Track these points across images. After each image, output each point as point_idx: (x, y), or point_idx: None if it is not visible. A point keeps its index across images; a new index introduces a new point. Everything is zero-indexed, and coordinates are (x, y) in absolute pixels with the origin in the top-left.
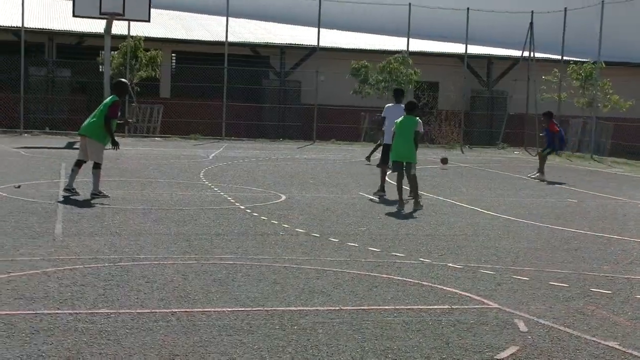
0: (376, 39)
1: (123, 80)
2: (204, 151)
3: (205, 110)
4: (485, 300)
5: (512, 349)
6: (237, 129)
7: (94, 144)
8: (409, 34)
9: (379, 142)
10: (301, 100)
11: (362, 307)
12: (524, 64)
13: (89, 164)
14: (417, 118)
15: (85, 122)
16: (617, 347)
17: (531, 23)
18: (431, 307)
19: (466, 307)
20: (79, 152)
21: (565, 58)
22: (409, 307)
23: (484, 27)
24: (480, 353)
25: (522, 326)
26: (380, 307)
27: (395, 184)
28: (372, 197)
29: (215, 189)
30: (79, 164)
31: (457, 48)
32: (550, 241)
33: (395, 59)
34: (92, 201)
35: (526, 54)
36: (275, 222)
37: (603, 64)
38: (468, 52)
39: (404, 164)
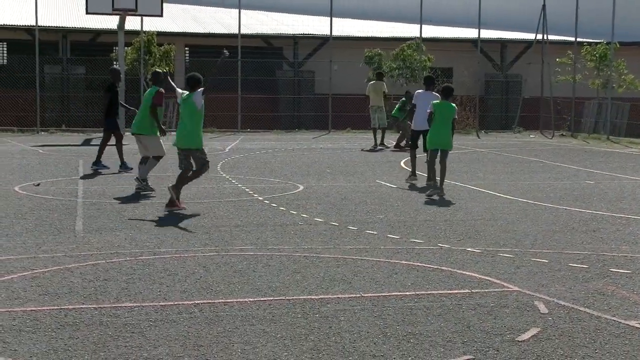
0: (389, 27)
1: (157, 70)
2: (221, 144)
3: (221, 103)
4: (505, 284)
5: (533, 331)
6: (253, 121)
7: (148, 138)
8: (421, 20)
9: (400, 132)
10: (315, 90)
11: (383, 294)
12: (537, 47)
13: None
14: (454, 104)
15: (135, 121)
16: (637, 326)
17: (544, 5)
18: (451, 291)
19: (486, 290)
20: (139, 150)
21: (579, 40)
22: (429, 292)
23: (497, 11)
24: (502, 335)
25: (543, 308)
26: (401, 293)
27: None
28: (406, 183)
29: (233, 181)
30: (143, 160)
31: (470, 33)
32: (569, 223)
33: (408, 46)
34: (135, 188)
35: (539, 36)
36: (294, 212)
37: (617, 44)
38: (481, 36)
39: (440, 150)
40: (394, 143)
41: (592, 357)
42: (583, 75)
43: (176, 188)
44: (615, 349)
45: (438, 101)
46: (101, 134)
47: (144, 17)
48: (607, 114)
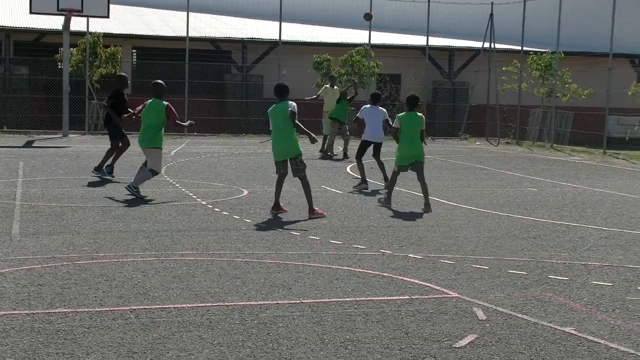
0: (338, 32)
1: (159, 81)
2: (166, 147)
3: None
4: (445, 290)
5: (470, 337)
6: (200, 125)
7: (149, 151)
8: (370, 27)
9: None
10: (264, 95)
11: (323, 300)
12: (484, 55)
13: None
14: (420, 114)
15: (141, 135)
16: (573, 332)
17: (491, 14)
18: (391, 298)
19: (426, 297)
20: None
21: (525, 48)
22: (369, 298)
23: (445, 19)
24: (439, 342)
25: (481, 314)
26: (341, 299)
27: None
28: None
29: (177, 185)
30: (143, 167)
31: (419, 40)
32: (510, 230)
33: (357, 52)
34: (127, 194)
35: (487, 45)
36: (237, 217)
37: (562, 54)
38: (430, 44)
39: (416, 164)
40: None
41: None
42: (529, 83)
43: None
44: (551, 355)
45: (404, 114)
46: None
47: (90, 18)
48: (551, 122)
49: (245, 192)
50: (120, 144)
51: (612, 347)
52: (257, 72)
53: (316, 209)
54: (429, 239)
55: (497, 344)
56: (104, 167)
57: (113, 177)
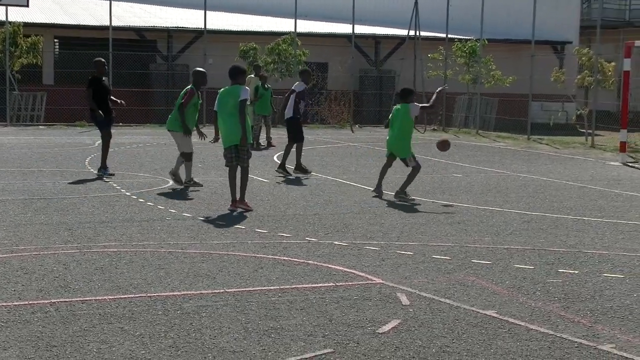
0: (264, 21)
1: (198, 70)
2: (90, 138)
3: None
4: (370, 276)
5: (393, 323)
6: (125, 115)
7: (176, 135)
8: (296, 15)
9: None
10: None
11: (247, 289)
12: (410, 42)
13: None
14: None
15: (169, 117)
16: (495, 315)
17: (416, 2)
18: (316, 285)
19: (350, 283)
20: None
21: (450, 36)
22: (293, 286)
23: (371, 7)
24: (363, 328)
25: (405, 300)
26: (265, 288)
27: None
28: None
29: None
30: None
31: (345, 28)
32: (435, 216)
33: (283, 41)
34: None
35: (412, 32)
36: (162, 208)
37: (486, 41)
38: (355, 32)
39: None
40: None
41: (450, 347)
42: (454, 70)
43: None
44: (472, 338)
45: (398, 106)
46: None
47: (9, 7)
48: (476, 109)
49: (171, 183)
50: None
51: (532, 329)
52: (182, 62)
53: (246, 201)
54: (355, 226)
55: (419, 329)
56: (106, 167)
57: (112, 174)
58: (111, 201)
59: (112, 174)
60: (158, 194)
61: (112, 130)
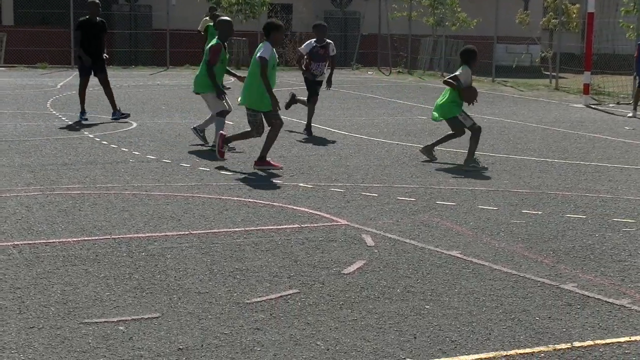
0: None
1: (223, 18)
2: (52, 80)
3: (53, 38)
4: (335, 218)
5: (358, 263)
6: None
7: (207, 97)
8: None
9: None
10: (153, 26)
11: (212, 231)
12: None
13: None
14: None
15: (195, 78)
16: (458, 255)
17: None
18: (281, 227)
19: (315, 225)
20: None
21: None
22: (259, 228)
23: None
24: (328, 269)
25: (369, 241)
26: (230, 230)
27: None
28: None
29: (64, 119)
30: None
31: None
32: (400, 158)
33: None
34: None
35: None
36: (126, 150)
37: None
38: None
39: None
40: None
41: (414, 286)
42: (418, 12)
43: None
44: (436, 278)
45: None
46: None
47: None
48: (441, 51)
49: (135, 125)
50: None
51: (495, 269)
52: (145, 2)
53: (269, 159)
54: (320, 168)
55: (384, 269)
56: (117, 109)
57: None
58: (74, 143)
59: (126, 115)
60: (122, 136)
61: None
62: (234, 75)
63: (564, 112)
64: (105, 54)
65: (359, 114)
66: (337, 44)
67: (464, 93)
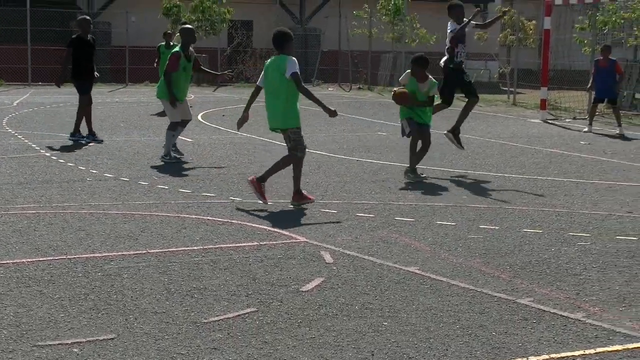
0: None
1: (184, 26)
2: (8, 98)
3: (9, 55)
4: (294, 235)
5: (317, 281)
6: (45, 74)
7: (165, 104)
8: None
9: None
10: (112, 42)
11: (170, 249)
12: (335, 0)
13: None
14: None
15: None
16: (417, 271)
17: None
18: (240, 245)
19: (274, 242)
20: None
21: None
22: (217, 246)
23: None
24: (286, 286)
25: (328, 258)
26: (188, 248)
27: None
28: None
29: (20, 137)
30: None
31: None
32: (360, 174)
33: None
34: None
35: None
36: (83, 168)
37: None
38: None
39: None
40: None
41: (372, 303)
42: (379, 29)
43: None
44: (395, 294)
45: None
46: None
47: None
48: (402, 68)
49: (92, 143)
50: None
51: (453, 284)
52: (104, 19)
53: (304, 192)
54: (279, 184)
55: (343, 286)
56: (78, 132)
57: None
58: (30, 162)
59: (87, 139)
60: (79, 154)
61: (45, 89)
62: (213, 73)
63: (522, 128)
64: (96, 72)
65: (319, 130)
66: (298, 61)
67: (397, 96)
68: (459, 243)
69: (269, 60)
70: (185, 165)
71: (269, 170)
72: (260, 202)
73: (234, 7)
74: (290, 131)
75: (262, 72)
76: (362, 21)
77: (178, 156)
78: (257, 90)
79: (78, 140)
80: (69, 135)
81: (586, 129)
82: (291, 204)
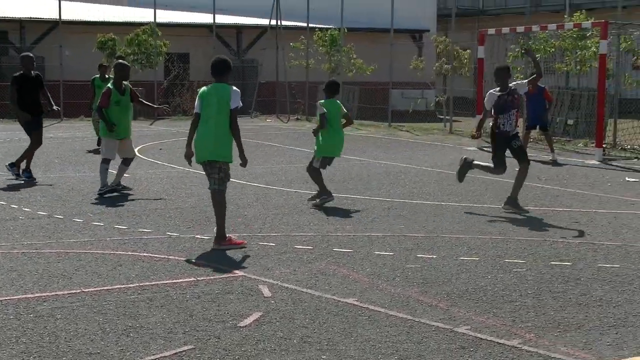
0: (122, 11)
1: (118, 62)
2: None
3: None
4: (232, 269)
5: (255, 315)
6: None
7: (104, 140)
8: (155, 5)
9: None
10: (46, 77)
11: (105, 288)
12: (272, 32)
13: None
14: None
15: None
16: (355, 303)
17: None
18: (177, 281)
19: (212, 277)
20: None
21: (311, 25)
22: (154, 283)
23: None
24: (224, 322)
25: (266, 292)
26: (124, 286)
27: None
28: None
29: None
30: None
31: (206, 18)
32: (298, 206)
33: (143, 31)
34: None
35: (274, 22)
36: (15, 207)
37: (346, 30)
38: (217, 21)
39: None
40: None
41: (311, 337)
42: (316, 59)
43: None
44: (333, 327)
45: (325, 101)
46: None
47: None
48: (339, 98)
49: (25, 180)
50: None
51: (391, 315)
52: (37, 53)
53: (230, 235)
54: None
55: (281, 320)
56: (17, 166)
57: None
58: None
59: (20, 177)
60: (11, 192)
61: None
62: (150, 106)
63: (458, 155)
64: (55, 106)
65: (257, 162)
66: None
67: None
68: (396, 273)
69: (206, 88)
70: (122, 201)
71: (218, 222)
72: (242, 249)
73: (170, 40)
74: (224, 164)
75: (199, 100)
76: (299, 52)
77: (125, 191)
78: (198, 118)
79: (13, 173)
80: (8, 164)
81: None
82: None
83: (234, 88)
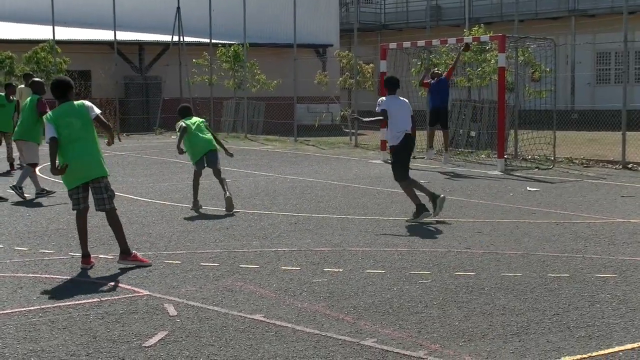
0: (20, 28)
1: (36, 79)
2: None
3: None
4: (136, 289)
5: (160, 335)
6: None
7: (26, 144)
8: (53, 22)
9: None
10: None
11: (4, 311)
12: (175, 48)
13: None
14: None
15: (18, 127)
16: (262, 319)
17: (178, 7)
18: (80, 302)
19: (116, 297)
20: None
21: (214, 41)
22: (56, 305)
23: (133, 12)
24: (129, 343)
25: (172, 310)
26: (25, 309)
27: None
28: None
29: None
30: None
31: (107, 35)
32: (204, 222)
33: (42, 49)
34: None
35: (176, 38)
36: None
37: (249, 45)
38: (118, 38)
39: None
40: None
41: (217, 354)
42: (219, 75)
43: None
44: (240, 344)
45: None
46: None
47: None
48: (244, 114)
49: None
50: None
51: (298, 330)
52: None
53: (135, 252)
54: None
55: (187, 339)
56: None
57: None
58: None
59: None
60: None
61: None
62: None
63: (364, 169)
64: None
65: (162, 179)
66: (139, 109)
67: None
68: (303, 287)
69: (56, 111)
70: (22, 222)
71: (119, 240)
72: (146, 267)
73: (70, 57)
74: (106, 179)
75: (49, 125)
76: (203, 68)
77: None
78: (56, 143)
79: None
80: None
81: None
82: (119, 262)
83: (85, 103)
